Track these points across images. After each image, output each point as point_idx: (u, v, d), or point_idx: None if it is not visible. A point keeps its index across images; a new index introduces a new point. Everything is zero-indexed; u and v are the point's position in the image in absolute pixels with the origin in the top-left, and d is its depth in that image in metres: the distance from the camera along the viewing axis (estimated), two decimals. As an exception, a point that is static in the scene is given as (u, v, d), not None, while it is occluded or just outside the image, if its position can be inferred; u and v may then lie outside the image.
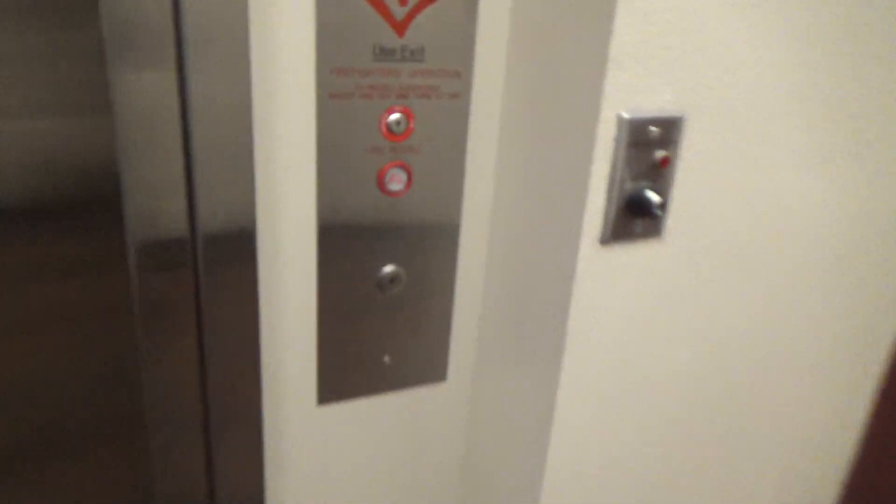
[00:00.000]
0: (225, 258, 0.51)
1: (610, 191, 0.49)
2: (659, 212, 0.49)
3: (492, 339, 0.65)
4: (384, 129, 0.55)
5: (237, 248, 0.51)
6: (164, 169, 0.47)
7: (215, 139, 0.47)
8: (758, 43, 0.50)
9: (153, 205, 0.48)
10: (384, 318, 0.62)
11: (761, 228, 0.58)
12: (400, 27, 0.52)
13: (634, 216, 0.50)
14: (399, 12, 0.52)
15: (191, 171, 0.48)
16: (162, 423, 0.54)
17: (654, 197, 0.48)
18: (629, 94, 0.47)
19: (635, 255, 0.53)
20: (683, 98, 0.49)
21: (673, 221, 0.53)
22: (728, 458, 0.72)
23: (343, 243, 0.58)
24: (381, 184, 0.57)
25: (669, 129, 0.49)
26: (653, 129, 0.48)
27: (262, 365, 0.56)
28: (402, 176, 0.57)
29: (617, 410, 0.61)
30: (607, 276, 0.52)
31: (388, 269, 0.60)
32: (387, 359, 0.64)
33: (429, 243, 0.61)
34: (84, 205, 0.47)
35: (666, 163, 0.49)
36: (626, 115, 0.47)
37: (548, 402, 0.57)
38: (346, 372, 0.63)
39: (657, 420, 0.64)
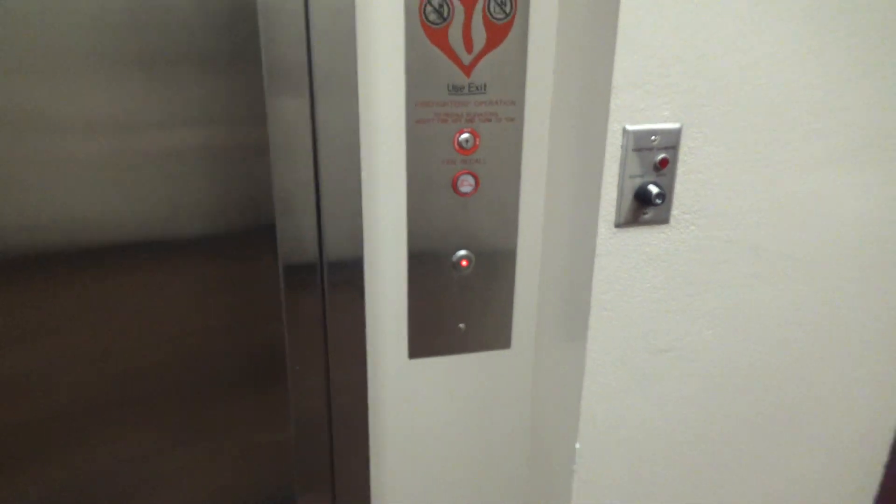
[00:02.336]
0: (340, 250, 0.71)
1: (621, 186, 0.64)
2: (658, 201, 0.63)
3: (547, 313, 0.81)
4: (456, 145, 0.73)
5: (349, 245, 0.71)
6: (302, 200, 0.68)
7: (334, 156, 0.68)
8: (743, 67, 0.63)
9: (296, 235, 0.70)
10: (459, 293, 0.80)
11: (767, 220, 0.70)
12: (467, 70, 0.71)
13: (642, 205, 0.65)
14: (466, 58, 0.71)
15: (319, 195, 0.69)
16: (298, 378, 0.75)
17: (654, 189, 0.63)
18: (632, 112, 0.62)
19: (647, 237, 0.67)
20: (680, 113, 0.63)
21: (679, 211, 0.66)
22: (757, 437, 0.81)
23: (426, 233, 0.76)
24: (454, 187, 0.75)
25: (668, 137, 0.63)
26: (654, 137, 0.63)
27: (367, 328, 0.76)
28: (471, 181, 0.75)
29: (646, 378, 0.74)
30: (623, 254, 0.67)
31: (461, 253, 0.78)
32: (462, 326, 0.81)
33: (493, 233, 0.78)
34: (251, 235, 0.69)
35: (665, 163, 0.64)
36: (629, 128, 0.62)
37: (579, 367, 0.71)
38: (430, 335, 0.81)
39: (685, 389, 0.75)
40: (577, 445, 0.75)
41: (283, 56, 0.64)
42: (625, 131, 0.62)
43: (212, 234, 0.69)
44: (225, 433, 0.78)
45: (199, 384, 0.75)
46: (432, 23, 0.68)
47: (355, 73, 0.66)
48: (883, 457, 0.89)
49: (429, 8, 0.68)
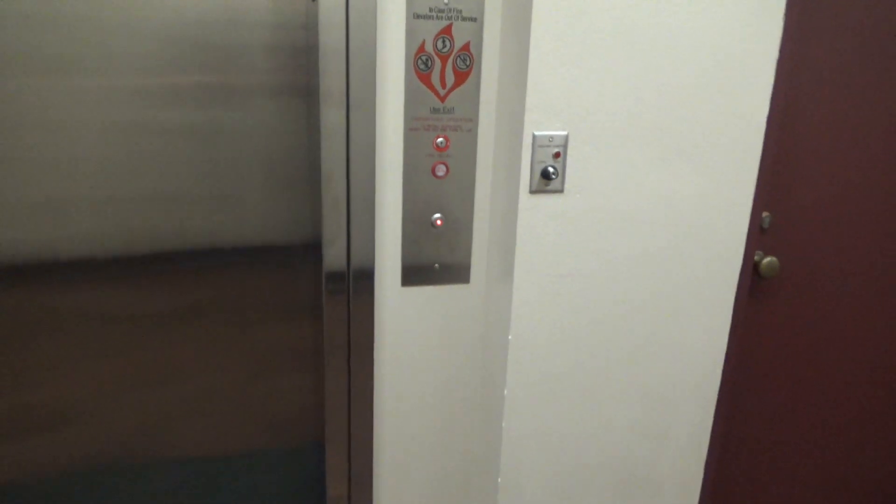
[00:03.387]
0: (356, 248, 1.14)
1: (532, 167, 1.07)
2: (554, 176, 1.06)
3: (492, 256, 1.23)
4: (435, 145, 1.17)
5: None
6: (336, 215, 1.11)
7: (359, 151, 1.11)
8: (603, 103, 1.08)
9: (334, 246, 1.12)
10: (434, 242, 1.22)
11: (619, 192, 1.14)
12: (442, 98, 1.15)
13: (545, 180, 1.08)
14: (442, 92, 1.14)
15: (350, 207, 1.11)
16: (332, 340, 1.17)
17: (551, 169, 1.06)
18: (538, 124, 1.06)
19: (550, 200, 1.10)
20: (566, 125, 1.07)
21: (569, 185, 1.10)
22: (626, 335, 1.23)
23: (413, 201, 1.19)
24: (433, 172, 1.18)
25: (560, 139, 1.07)
26: (551, 138, 1.07)
27: (376, 266, 1.18)
28: (444, 169, 1.18)
29: (553, 294, 1.16)
30: (535, 210, 1.10)
31: (436, 215, 1.20)
32: (436, 266, 1.23)
33: (458, 202, 1.21)
34: (304, 247, 1.12)
35: (558, 155, 1.07)
36: (536, 133, 1.06)
37: (509, 289, 1.14)
38: (414, 271, 1.22)
39: (578, 301, 1.18)
40: (510, 337, 1.16)
41: (332, 82, 1.07)
42: (534, 136, 1.06)
43: (280, 244, 1.12)
44: (282, 380, 1.18)
45: (262, 352, 1.16)
46: (421, 70, 1.12)
47: (374, 97, 1.09)
48: (719, 368, 1.32)
49: (419, 61, 1.12)
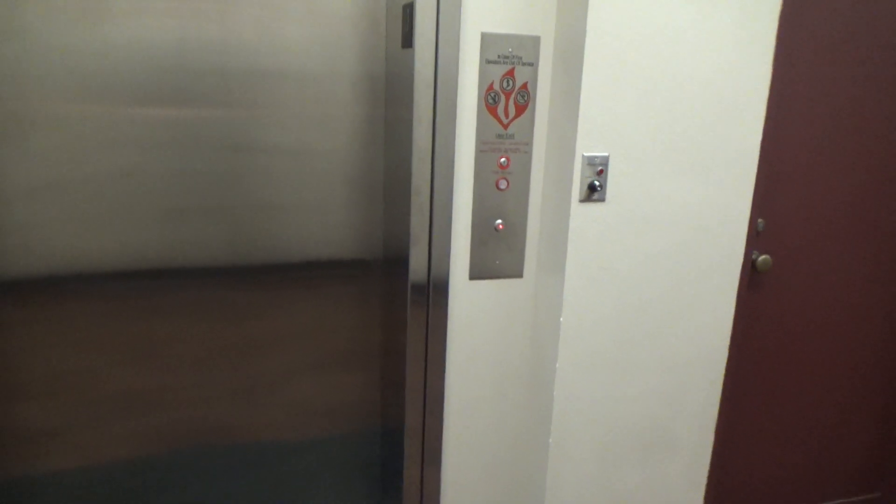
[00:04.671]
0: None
1: (582, 181, 1.36)
2: (599, 189, 1.35)
3: (543, 254, 1.51)
4: (498, 164, 1.45)
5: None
6: (421, 220, 1.38)
7: (441, 165, 1.38)
8: (637, 132, 1.37)
9: (418, 247, 1.39)
10: (496, 243, 1.49)
11: (649, 202, 1.42)
12: (505, 126, 1.43)
13: (591, 192, 1.36)
14: (505, 121, 1.43)
15: (432, 221, 1.39)
16: (413, 345, 1.43)
17: (596, 183, 1.35)
18: (586, 147, 1.34)
19: (595, 208, 1.38)
20: (608, 147, 1.36)
21: (609, 195, 1.39)
22: (653, 317, 1.52)
23: (481, 210, 1.46)
24: (497, 186, 1.46)
25: (603, 159, 1.36)
26: (596, 159, 1.35)
27: (451, 261, 1.45)
28: (505, 183, 1.46)
29: (597, 283, 1.44)
30: (583, 216, 1.38)
31: (498, 221, 1.48)
32: (497, 262, 1.50)
33: (516, 210, 1.49)
34: (394, 262, 1.39)
35: (601, 171, 1.36)
36: (585, 154, 1.34)
37: (561, 282, 1.41)
38: (480, 266, 1.50)
39: (616, 289, 1.46)
40: (561, 320, 1.44)
41: (422, 113, 1.35)
42: (583, 157, 1.35)
43: (373, 259, 1.39)
44: (375, 372, 1.45)
45: (354, 352, 1.42)
46: (490, 103, 1.41)
47: (454, 125, 1.37)
48: (725, 345, 1.61)
49: (488, 97, 1.40)
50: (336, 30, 1.39)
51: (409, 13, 1.33)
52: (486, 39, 1.37)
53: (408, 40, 1.34)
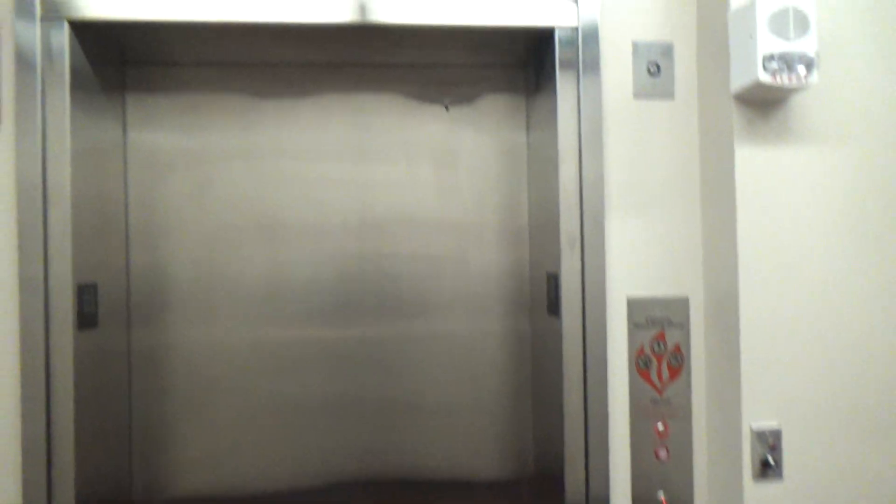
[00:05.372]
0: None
1: (752, 455, 1.23)
2: (773, 466, 1.20)
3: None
4: (657, 431, 1.36)
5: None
6: (579, 447, 1.33)
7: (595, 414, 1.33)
8: (816, 388, 1.24)
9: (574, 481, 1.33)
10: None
11: (842, 482, 1.23)
12: (660, 391, 1.37)
13: (766, 467, 1.22)
14: (659, 386, 1.37)
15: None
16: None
17: (769, 459, 1.21)
18: (754, 416, 1.23)
19: (772, 487, 1.23)
20: (780, 413, 1.24)
21: (787, 472, 1.23)
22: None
23: (640, 483, 1.35)
24: (656, 456, 1.36)
25: (775, 433, 1.23)
26: (766, 434, 1.23)
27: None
28: (665, 453, 1.36)
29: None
30: (760, 499, 1.22)
31: (661, 495, 1.35)
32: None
33: (681, 484, 1.36)
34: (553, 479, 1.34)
35: (774, 446, 1.22)
36: (754, 427, 1.23)
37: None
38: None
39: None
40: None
41: (571, 374, 1.33)
42: (751, 429, 1.23)
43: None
44: None
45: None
46: (641, 368, 1.37)
47: (606, 386, 1.34)
48: None
49: (639, 360, 1.37)
50: (484, 290, 1.51)
51: (553, 283, 1.39)
52: (633, 304, 1.38)
53: (554, 307, 1.39)
